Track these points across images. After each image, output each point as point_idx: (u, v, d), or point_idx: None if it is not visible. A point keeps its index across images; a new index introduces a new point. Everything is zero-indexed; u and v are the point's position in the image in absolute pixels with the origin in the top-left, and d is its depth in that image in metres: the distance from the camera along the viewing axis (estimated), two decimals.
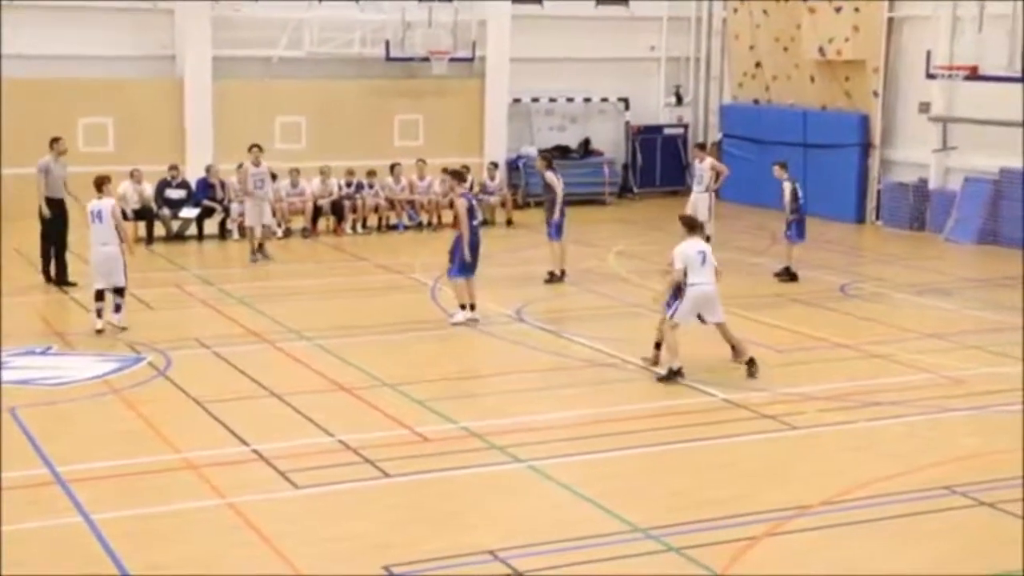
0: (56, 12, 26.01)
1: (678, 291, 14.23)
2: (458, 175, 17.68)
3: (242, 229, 23.92)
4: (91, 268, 16.61)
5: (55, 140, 19.74)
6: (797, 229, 20.28)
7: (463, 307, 16.98)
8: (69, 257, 19.61)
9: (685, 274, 14.14)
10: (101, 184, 16.62)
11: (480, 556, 9.31)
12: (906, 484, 10.94)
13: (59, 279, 19.34)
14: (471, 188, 26.13)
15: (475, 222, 17.05)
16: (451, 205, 17.24)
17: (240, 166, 22.58)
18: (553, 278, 20.04)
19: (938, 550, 9.64)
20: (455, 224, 17.43)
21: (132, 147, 25.66)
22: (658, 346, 14.67)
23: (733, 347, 14.56)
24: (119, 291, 16.37)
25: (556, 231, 20.10)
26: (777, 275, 20.28)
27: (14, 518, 9.84)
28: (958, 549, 9.66)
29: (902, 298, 19.33)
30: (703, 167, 23.16)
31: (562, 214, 20.09)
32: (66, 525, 9.75)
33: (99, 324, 16.12)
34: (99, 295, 16.24)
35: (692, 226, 14.61)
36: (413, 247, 23.54)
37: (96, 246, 16.35)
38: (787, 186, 20.21)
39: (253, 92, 27.40)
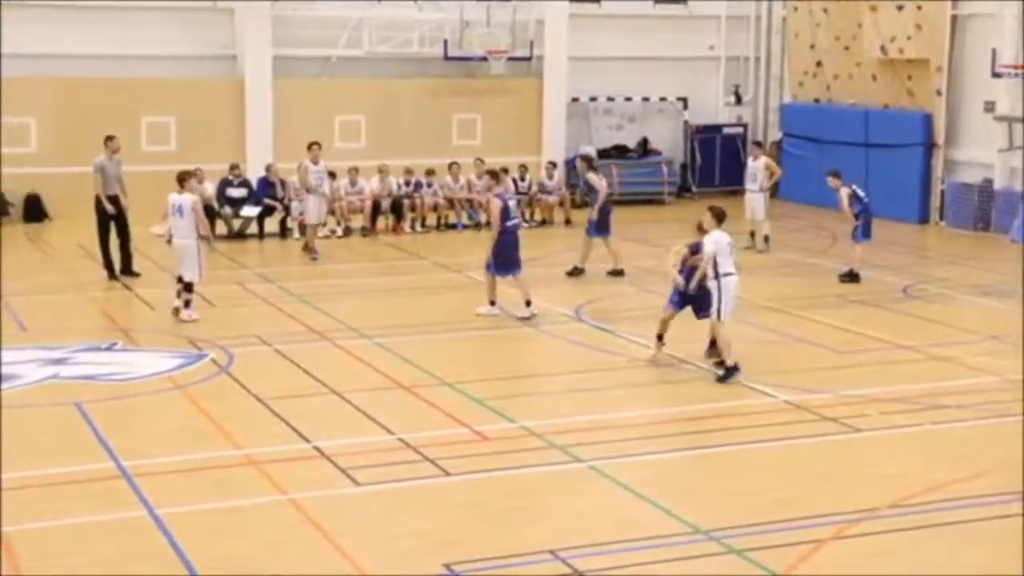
0: (119, 13, 26.34)
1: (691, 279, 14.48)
2: (495, 175, 17.87)
3: (302, 227, 24.11)
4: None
5: (109, 138, 20.13)
6: (863, 230, 20.05)
7: (492, 303, 17.29)
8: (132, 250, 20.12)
9: (715, 264, 14.17)
10: (183, 179, 17.14)
11: (540, 555, 9.29)
12: (971, 488, 10.80)
13: (124, 270, 19.82)
14: (529, 188, 26.40)
15: (510, 223, 17.19)
16: (485, 204, 17.18)
17: (300, 165, 22.71)
18: (576, 272, 20.31)
19: (1002, 555, 9.50)
20: (489, 223, 17.69)
21: (194, 146, 25.92)
22: (660, 338, 14.88)
23: (714, 343, 14.53)
24: (187, 286, 16.79)
25: (595, 229, 20.29)
26: (841, 277, 20.07)
27: (81, 511, 9.97)
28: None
29: (966, 299, 19.08)
30: (757, 165, 23.04)
31: (604, 212, 20.29)
32: (131, 519, 9.86)
33: (177, 303, 16.91)
34: (178, 280, 16.97)
35: (721, 217, 14.64)
36: (471, 246, 23.54)
37: (175, 238, 16.94)
38: (844, 192, 19.94)
39: (312, 91, 27.57)
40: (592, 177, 20.47)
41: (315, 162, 22.10)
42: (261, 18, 26.91)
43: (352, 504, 10.41)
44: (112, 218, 19.67)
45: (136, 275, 19.76)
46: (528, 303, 17.12)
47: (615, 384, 14.25)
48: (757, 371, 14.42)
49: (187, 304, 16.80)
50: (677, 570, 9.16)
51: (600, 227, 20.32)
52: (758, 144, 24.22)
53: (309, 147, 22.31)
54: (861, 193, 20.14)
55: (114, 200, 19.70)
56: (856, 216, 19.95)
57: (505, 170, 26.09)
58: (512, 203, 17.55)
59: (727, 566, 9.23)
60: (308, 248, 22.13)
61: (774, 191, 23.35)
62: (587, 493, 10.83)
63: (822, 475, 11.30)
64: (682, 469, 11.50)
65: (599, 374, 14.68)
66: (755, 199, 22.90)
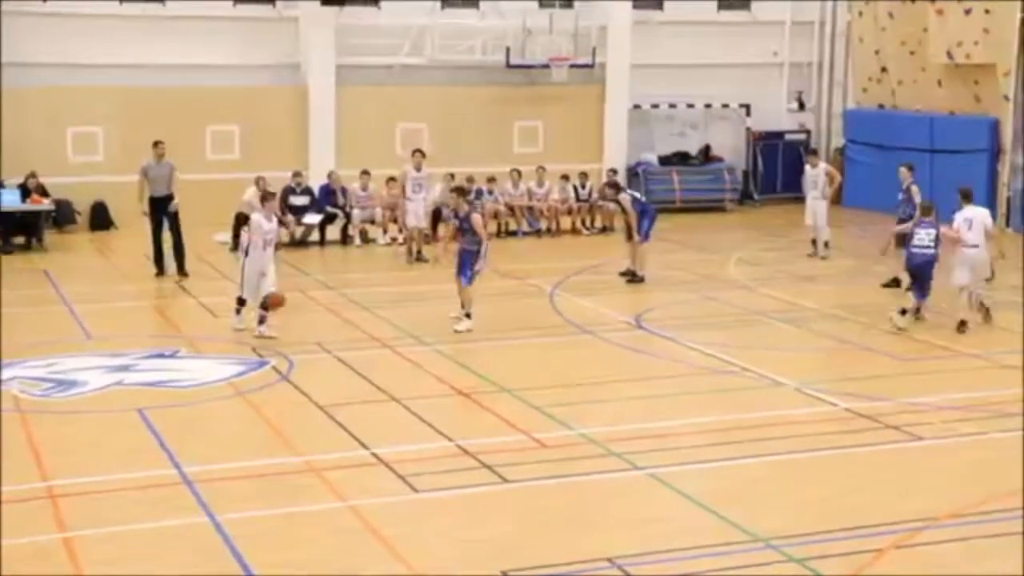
0: (184, 22, 26.66)
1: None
2: (462, 191, 17.87)
3: (364, 234, 24.35)
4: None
5: (156, 143, 20.93)
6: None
7: (469, 315, 16.98)
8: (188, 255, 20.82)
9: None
10: (263, 199, 17.26)
11: (598, 563, 9.27)
12: None
13: (178, 269, 20.62)
14: (590, 195, 26.36)
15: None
16: (460, 217, 17.17)
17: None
18: (634, 277, 20.25)
19: None
20: (455, 236, 17.52)
21: (257, 154, 26.17)
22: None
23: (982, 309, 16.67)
24: (240, 301, 16.68)
25: (643, 236, 20.34)
26: (885, 285, 19.77)
27: (143, 516, 10.07)
28: None
29: None
30: (817, 172, 22.89)
31: (647, 222, 20.43)
32: (193, 524, 9.94)
33: (239, 325, 16.68)
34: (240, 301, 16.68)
35: (967, 195, 16.87)
36: (532, 253, 23.59)
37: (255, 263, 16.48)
38: (915, 188, 19.74)
39: (375, 99, 27.72)
40: (624, 199, 20.53)
41: (418, 169, 22.48)
42: (325, 26, 27.09)
43: (411, 511, 10.44)
44: (163, 217, 20.43)
45: (186, 275, 20.53)
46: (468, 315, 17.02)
47: (675, 392, 14.19)
48: (819, 379, 14.30)
49: (261, 320, 16.39)
50: None
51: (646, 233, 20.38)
52: (814, 152, 24.05)
53: (413, 154, 22.82)
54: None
55: (159, 201, 20.43)
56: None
57: (566, 177, 26.30)
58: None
59: (787, 575, 9.14)
60: (417, 254, 22.31)
61: (836, 198, 23.11)
62: (646, 501, 10.78)
63: (883, 484, 11.18)
64: (742, 477, 11.41)
65: (659, 381, 14.63)
66: (818, 206, 22.73)
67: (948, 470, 11.58)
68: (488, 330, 16.93)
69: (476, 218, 16.98)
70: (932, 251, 16.89)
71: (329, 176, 25.06)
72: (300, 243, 24.32)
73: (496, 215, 25.61)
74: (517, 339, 16.54)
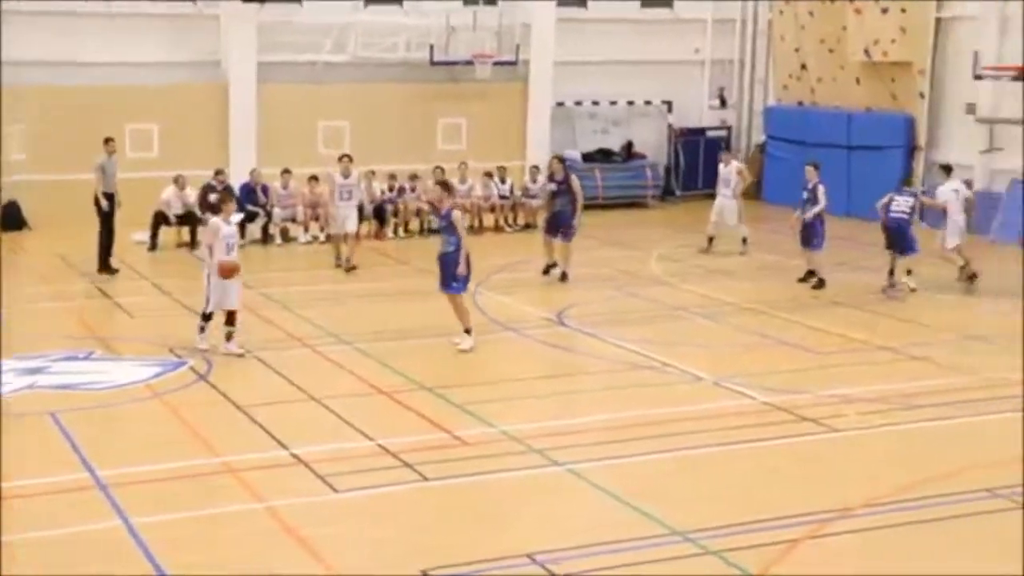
0: (102, 20, 26.25)
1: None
2: (447, 185, 16.69)
3: (284, 233, 24.20)
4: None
5: (108, 140, 20.95)
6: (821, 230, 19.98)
7: (468, 331, 15.83)
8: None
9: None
10: (222, 200, 16.40)
11: (518, 559, 9.30)
12: (947, 487, 10.84)
13: (102, 266, 20.52)
14: (511, 191, 26.41)
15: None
16: (442, 214, 15.77)
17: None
18: (564, 276, 20.11)
19: (978, 552, 9.57)
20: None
21: (177, 152, 25.84)
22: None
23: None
24: (229, 317, 15.41)
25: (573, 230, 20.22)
26: (800, 280, 20.01)
27: (56, 522, 9.93)
28: (998, 551, 9.56)
29: (945, 299, 19.15)
30: (729, 170, 23.14)
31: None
32: (106, 529, 9.81)
33: (203, 344, 15.42)
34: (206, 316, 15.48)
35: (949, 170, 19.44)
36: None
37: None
38: (822, 188, 19.92)
39: (297, 96, 27.51)
40: (574, 179, 20.42)
41: (346, 175, 21.35)
42: (246, 23, 26.83)
43: (330, 511, 10.39)
44: (108, 216, 20.39)
45: (115, 271, 20.43)
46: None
47: (595, 388, 14.29)
48: (737, 373, 14.44)
49: (228, 337, 15.41)
50: (655, 571, 9.17)
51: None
52: (727, 149, 24.31)
53: (340, 159, 21.65)
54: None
55: (110, 197, 20.44)
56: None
57: (489, 174, 26.31)
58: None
59: (704, 567, 9.24)
60: (340, 259, 21.42)
61: (750, 193, 23.36)
62: (565, 497, 10.83)
63: (799, 475, 11.34)
64: (660, 471, 11.51)
65: (580, 378, 14.71)
66: (727, 204, 22.98)
67: (862, 461, 11.78)
68: (409, 328, 16.89)
69: (457, 215, 15.62)
70: (907, 216, 19.51)
71: (250, 174, 24.85)
72: None
73: (419, 213, 25.54)
74: (438, 337, 16.49)
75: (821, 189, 19.85)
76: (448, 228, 15.58)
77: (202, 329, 15.50)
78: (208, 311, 15.42)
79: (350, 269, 21.10)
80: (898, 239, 19.43)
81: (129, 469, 11.11)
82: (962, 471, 11.25)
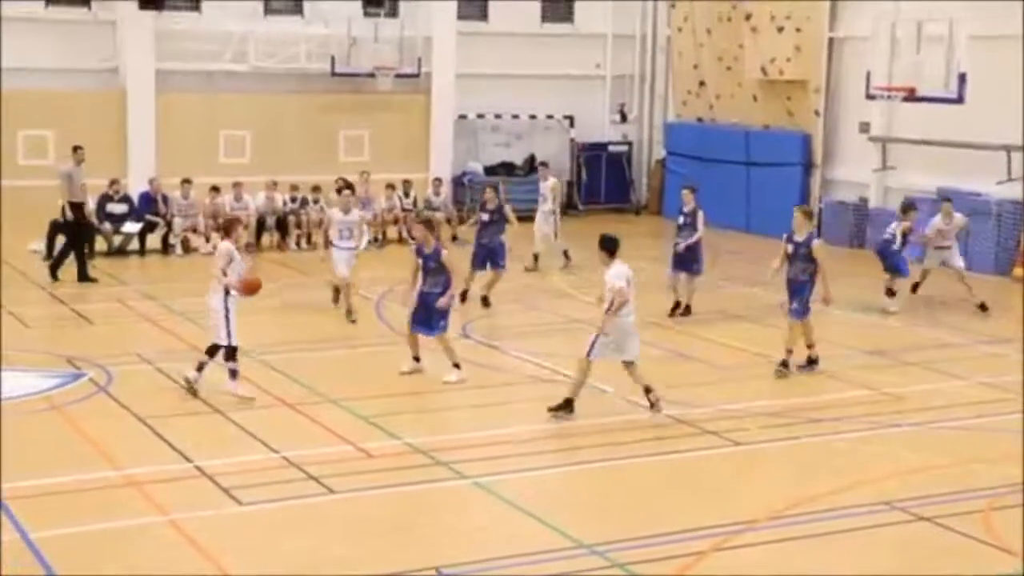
0: None
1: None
2: (430, 224, 15.39)
3: (185, 244, 23.90)
4: None
5: (76, 148, 21.24)
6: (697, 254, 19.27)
7: (458, 365, 15.15)
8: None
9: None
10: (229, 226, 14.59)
11: (425, 572, 9.30)
12: (847, 499, 11.06)
13: (81, 276, 20.60)
14: (414, 204, 26.37)
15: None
16: (430, 254, 14.76)
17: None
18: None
19: (878, 564, 9.77)
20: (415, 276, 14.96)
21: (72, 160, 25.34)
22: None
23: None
24: (228, 353, 13.88)
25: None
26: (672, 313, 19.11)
27: None
28: (897, 563, 9.79)
29: (842, 315, 19.50)
30: (546, 187, 23.31)
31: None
32: (4, 543, 9.57)
33: (192, 377, 13.95)
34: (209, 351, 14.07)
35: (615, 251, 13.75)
36: (357, 263, 23.41)
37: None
38: (701, 214, 19.05)
39: (197, 106, 27.25)
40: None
41: (345, 212, 18.95)
42: (144, 30, 26.52)
43: (234, 524, 10.29)
44: (74, 225, 20.58)
45: (94, 280, 20.58)
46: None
47: (501, 400, 14.32)
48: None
49: (232, 374, 13.94)
50: None
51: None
52: (544, 164, 24.48)
53: (338, 191, 20.45)
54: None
55: (78, 207, 20.59)
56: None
57: (392, 186, 26.25)
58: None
59: None
60: (350, 313, 18.44)
61: (646, 210, 23.35)
62: (471, 510, 10.87)
63: (703, 488, 11.49)
64: (566, 484, 11.58)
65: (485, 391, 14.72)
66: (546, 220, 23.06)
67: (763, 474, 11.99)
68: (314, 340, 16.80)
69: (447, 255, 14.73)
70: (890, 238, 20.09)
71: (150, 183, 24.52)
72: (119, 252, 23.73)
73: (321, 224, 25.31)
74: (343, 349, 16.45)
75: (700, 215, 18.97)
76: (438, 269, 14.63)
77: (200, 368, 13.87)
78: (235, 343, 13.83)
79: (353, 321, 18.27)
80: (882, 260, 20.30)
81: (27, 483, 10.87)
82: (862, 484, 11.48)
